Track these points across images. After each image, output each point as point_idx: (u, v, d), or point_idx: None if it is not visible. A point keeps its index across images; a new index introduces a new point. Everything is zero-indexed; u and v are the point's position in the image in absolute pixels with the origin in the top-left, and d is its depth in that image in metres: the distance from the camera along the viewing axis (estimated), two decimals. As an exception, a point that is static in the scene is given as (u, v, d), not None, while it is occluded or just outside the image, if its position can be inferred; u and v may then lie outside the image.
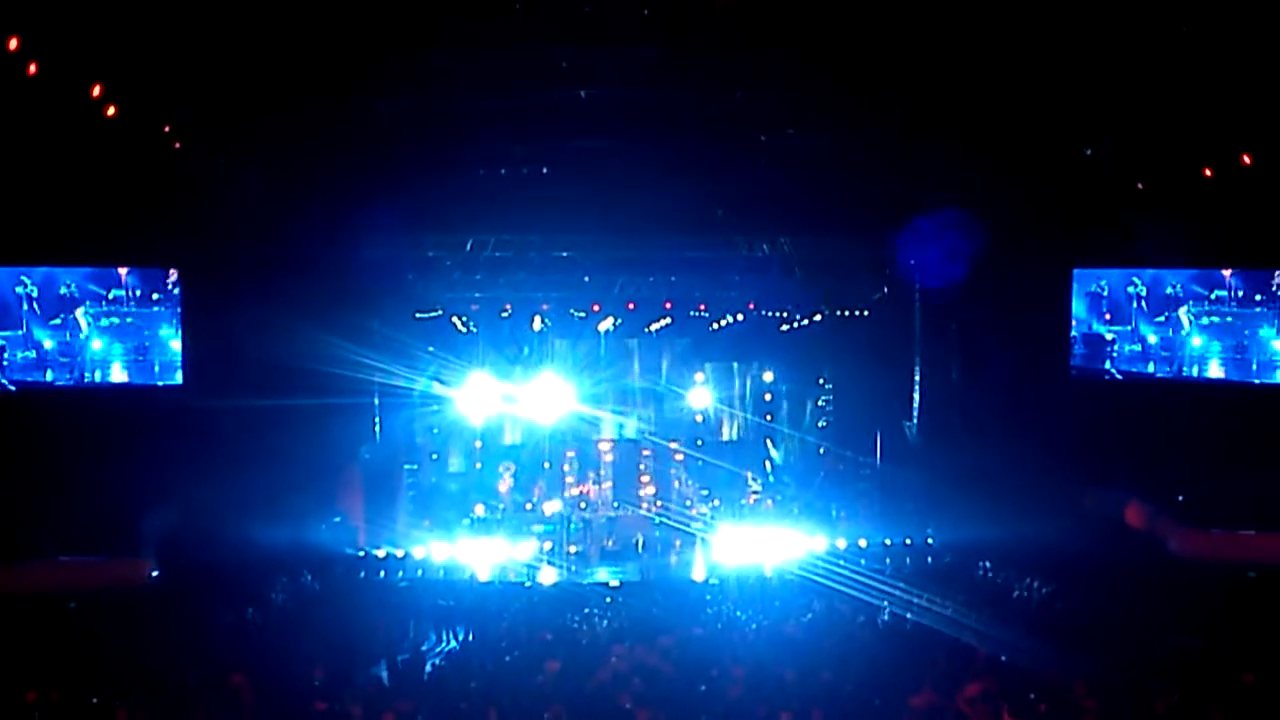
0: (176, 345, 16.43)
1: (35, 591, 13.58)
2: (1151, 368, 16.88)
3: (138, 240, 15.97)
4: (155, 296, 16.48)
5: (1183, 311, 16.60)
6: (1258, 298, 16.03)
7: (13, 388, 15.65)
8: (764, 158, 16.12)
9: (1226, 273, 16.31)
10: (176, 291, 16.50)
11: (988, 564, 16.71)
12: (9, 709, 9.17)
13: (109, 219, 15.18)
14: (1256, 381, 15.75)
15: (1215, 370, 16.40)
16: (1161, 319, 16.80)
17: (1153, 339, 16.87)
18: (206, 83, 13.49)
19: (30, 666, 10.23)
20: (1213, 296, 16.42)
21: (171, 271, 16.52)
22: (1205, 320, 16.45)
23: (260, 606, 14.13)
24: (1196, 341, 16.52)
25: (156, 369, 16.45)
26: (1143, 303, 16.90)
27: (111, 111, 13.20)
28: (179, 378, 16.37)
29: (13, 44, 11.68)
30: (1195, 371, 16.55)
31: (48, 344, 15.97)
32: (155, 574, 14.73)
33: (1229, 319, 16.27)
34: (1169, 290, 16.74)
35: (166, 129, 14.61)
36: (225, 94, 13.82)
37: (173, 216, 15.55)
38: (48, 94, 12.45)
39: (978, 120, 14.38)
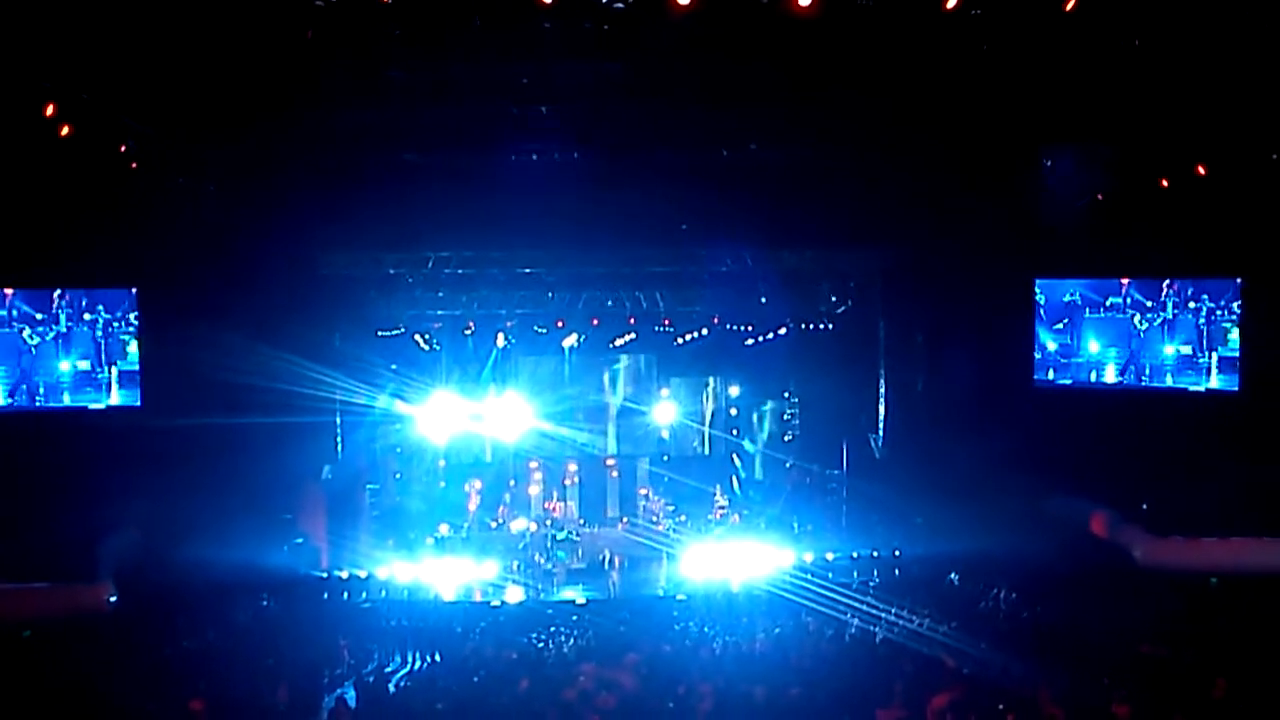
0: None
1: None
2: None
3: (94, 261, 15.76)
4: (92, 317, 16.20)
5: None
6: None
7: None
8: (726, 171, 16.15)
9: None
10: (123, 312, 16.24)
11: (955, 575, 16.73)
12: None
13: (65, 240, 15.00)
14: (1206, 387, 15.92)
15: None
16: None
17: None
18: (163, 101, 13.37)
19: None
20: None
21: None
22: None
23: (221, 630, 13.91)
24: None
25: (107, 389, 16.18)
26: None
27: (65, 131, 13.06)
28: (136, 398, 16.14)
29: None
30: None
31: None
32: (114, 600, 14.45)
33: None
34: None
35: (123, 148, 14.48)
36: (181, 112, 13.70)
37: (130, 236, 15.38)
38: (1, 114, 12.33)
39: (939, 130, 14.49)
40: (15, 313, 15.91)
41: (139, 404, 16.13)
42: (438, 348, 21.71)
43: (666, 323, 21.85)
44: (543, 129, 15.12)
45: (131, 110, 13.85)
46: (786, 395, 22.97)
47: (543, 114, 14.78)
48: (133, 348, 16.17)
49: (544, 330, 21.55)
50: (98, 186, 14.52)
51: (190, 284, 16.15)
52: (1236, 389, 15.44)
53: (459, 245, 18.30)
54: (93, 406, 16.10)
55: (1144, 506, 15.82)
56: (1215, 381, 15.65)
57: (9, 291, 15.85)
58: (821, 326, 21.26)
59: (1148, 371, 16.41)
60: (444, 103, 14.16)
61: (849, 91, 13.63)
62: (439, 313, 20.73)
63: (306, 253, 17.25)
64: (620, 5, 11.85)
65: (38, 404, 15.94)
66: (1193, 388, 15.86)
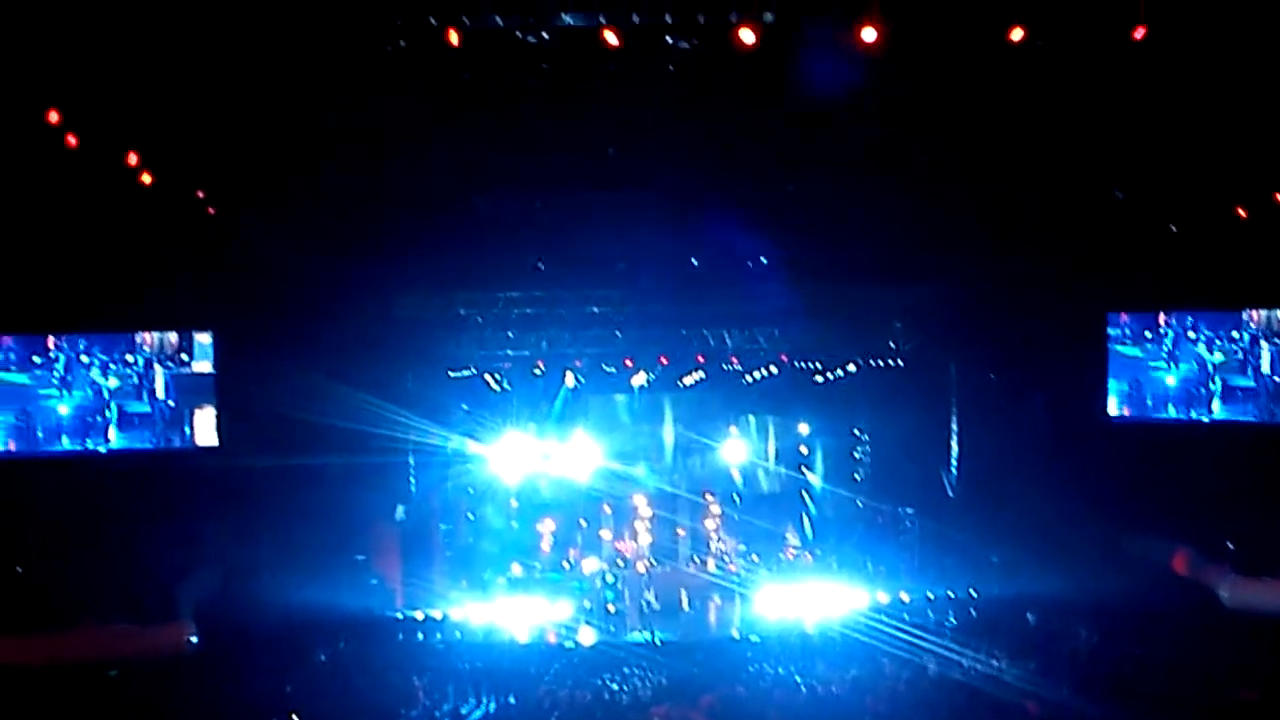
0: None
1: (76, 660, 13.54)
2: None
3: (172, 304, 16.12)
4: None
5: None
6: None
7: (55, 453, 15.81)
8: (793, 208, 16.13)
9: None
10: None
11: (1033, 616, 16.40)
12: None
13: (143, 283, 15.37)
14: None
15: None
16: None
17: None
18: (239, 147, 13.68)
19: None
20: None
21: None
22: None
23: (299, 671, 14.01)
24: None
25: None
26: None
27: (147, 179, 13.43)
28: (214, 439, 16.41)
29: (53, 117, 11.93)
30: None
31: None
32: (194, 640, 14.66)
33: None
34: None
35: (200, 194, 14.83)
36: (257, 158, 14.00)
37: (206, 280, 15.72)
38: (85, 164, 12.69)
39: (1007, 165, 14.37)
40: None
41: (217, 445, 16.42)
42: (508, 388, 21.81)
43: (734, 360, 21.77)
44: (611, 170, 15.22)
45: (209, 159, 14.20)
46: (857, 433, 22.77)
47: (610, 155, 14.89)
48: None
49: (612, 369, 21.59)
50: (175, 231, 14.87)
51: (265, 326, 16.45)
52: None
53: (528, 286, 18.47)
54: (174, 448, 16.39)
55: (1229, 545, 15.44)
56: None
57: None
58: (891, 363, 21.07)
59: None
60: (512, 146, 14.32)
61: (917, 126, 13.58)
62: (509, 353, 20.85)
63: (379, 295, 17.48)
64: (686, 45, 11.93)
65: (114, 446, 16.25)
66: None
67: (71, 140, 12.35)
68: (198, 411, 16.51)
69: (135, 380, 16.31)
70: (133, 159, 13.21)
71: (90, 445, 16.10)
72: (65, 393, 16.06)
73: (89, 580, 14.60)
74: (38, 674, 12.58)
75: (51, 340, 16.03)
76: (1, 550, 15.05)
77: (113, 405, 16.23)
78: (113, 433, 16.22)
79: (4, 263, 14.21)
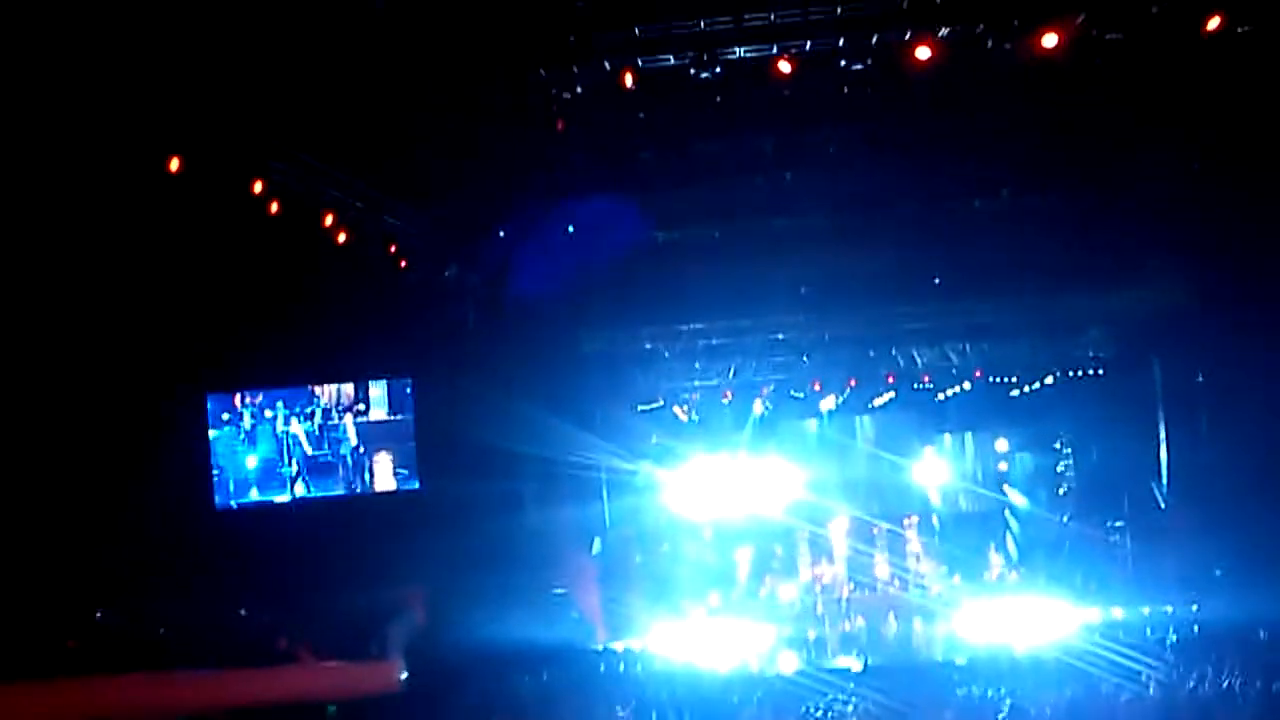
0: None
1: (296, 696, 14.15)
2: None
3: (372, 356, 16.83)
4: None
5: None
6: None
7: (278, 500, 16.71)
8: (979, 221, 15.82)
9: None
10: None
11: (1264, 633, 15.47)
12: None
13: (343, 338, 16.11)
14: None
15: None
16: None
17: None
18: (426, 201, 14.26)
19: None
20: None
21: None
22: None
23: (505, 704, 14.31)
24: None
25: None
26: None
27: (342, 239, 14.13)
28: (392, 484, 17.04)
29: (257, 187, 12.67)
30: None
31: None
32: (404, 677, 15.15)
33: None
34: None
35: (393, 249, 15.47)
36: (443, 208, 14.55)
37: (403, 329, 16.36)
38: (290, 229, 13.42)
39: (1207, 162, 13.78)
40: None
41: (418, 487, 17.04)
42: (696, 418, 21.91)
43: (925, 379, 21.37)
44: (789, 195, 15.23)
45: (398, 212, 14.83)
46: (1058, 447, 22.02)
47: (787, 180, 14.90)
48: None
49: (801, 395, 21.46)
50: (370, 285, 15.55)
51: (459, 369, 17.01)
52: None
53: (712, 316, 18.58)
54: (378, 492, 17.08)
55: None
56: None
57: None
58: (1091, 373, 20.33)
59: None
60: (690, 179, 14.49)
61: (1101, 131, 13.17)
62: (696, 384, 20.98)
63: (568, 332, 17.85)
64: (859, 66, 11.88)
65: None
66: None
67: (274, 207, 13.10)
68: (377, 456, 17.15)
69: (317, 431, 17.01)
70: (328, 220, 13.93)
71: (277, 495, 16.88)
72: (250, 445, 16.88)
73: (303, 621, 15.29)
74: (257, 710, 13.20)
75: (238, 398, 16.86)
76: (224, 593, 15.93)
77: (298, 455, 16.96)
78: (299, 484, 16.98)
79: (220, 324, 15.10)
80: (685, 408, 21.66)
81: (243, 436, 16.77)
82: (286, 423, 16.95)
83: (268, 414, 16.94)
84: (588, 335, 18.41)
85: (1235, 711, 11.46)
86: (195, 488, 16.41)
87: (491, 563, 16.23)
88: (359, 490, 17.09)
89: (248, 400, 16.90)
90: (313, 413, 17.07)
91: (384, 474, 17.19)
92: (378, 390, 17.19)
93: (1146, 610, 17.46)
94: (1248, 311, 16.29)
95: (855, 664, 17.46)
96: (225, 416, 16.88)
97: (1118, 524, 19.76)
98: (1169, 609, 17.33)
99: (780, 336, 19.30)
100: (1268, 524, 15.63)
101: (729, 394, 21.22)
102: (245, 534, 16.54)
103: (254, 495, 16.89)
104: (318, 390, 17.12)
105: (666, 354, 19.60)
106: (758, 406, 21.67)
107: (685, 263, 16.67)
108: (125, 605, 15.29)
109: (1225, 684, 12.58)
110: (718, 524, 22.36)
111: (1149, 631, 16.80)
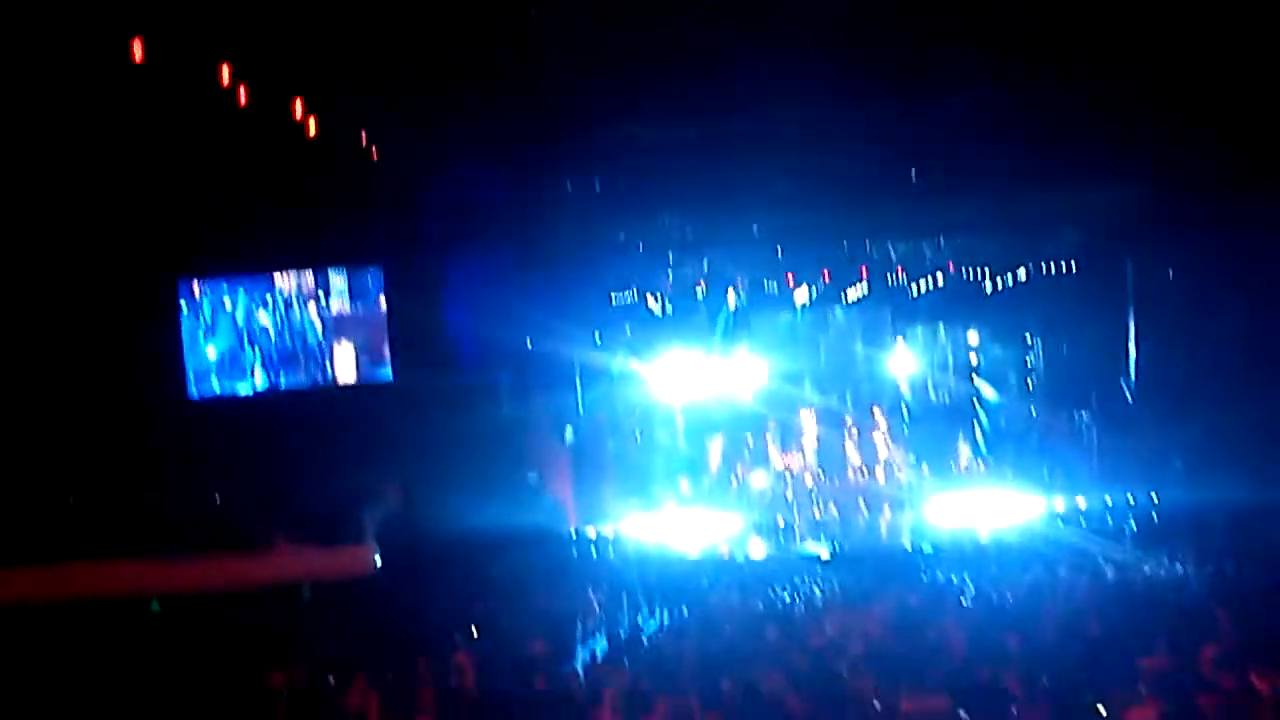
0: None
1: (270, 580, 14.37)
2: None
3: (344, 242, 16.72)
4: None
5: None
6: None
7: (245, 391, 16.69)
8: (958, 116, 15.68)
9: None
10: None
11: (1221, 522, 15.83)
12: (254, 689, 9.72)
13: (316, 225, 15.97)
14: None
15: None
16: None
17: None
18: (401, 91, 14.04)
19: (269, 650, 10.83)
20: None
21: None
22: None
23: (479, 587, 14.56)
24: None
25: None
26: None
27: (313, 129, 13.92)
28: (354, 375, 17.07)
29: (224, 73, 12.43)
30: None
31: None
32: (379, 561, 15.39)
33: None
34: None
35: (364, 138, 15.27)
36: (416, 96, 14.33)
37: (374, 217, 16.23)
38: (258, 117, 13.20)
39: (1186, 50, 13.65)
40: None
41: (391, 378, 17.10)
42: (670, 310, 21.93)
43: (900, 272, 21.38)
44: (767, 87, 15.05)
45: (372, 102, 14.62)
46: (1029, 340, 22.19)
47: (765, 72, 14.70)
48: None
49: (775, 287, 21.48)
50: (344, 173, 15.37)
51: (431, 259, 16.96)
52: None
53: (689, 209, 18.48)
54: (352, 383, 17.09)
55: None
56: None
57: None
58: (1063, 268, 20.40)
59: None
60: (666, 71, 14.29)
61: (1087, 26, 13.02)
62: (670, 276, 20.95)
63: (542, 224, 17.74)
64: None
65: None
66: None
67: (241, 95, 12.87)
68: (337, 347, 17.13)
69: (280, 321, 16.96)
70: (298, 109, 13.71)
71: (238, 385, 16.88)
72: (211, 334, 16.84)
73: (278, 507, 15.46)
74: (234, 593, 13.41)
75: (196, 286, 16.72)
76: (197, 479, 16.04)
77: (261, 345, 16.95)
78: (261, 374, 16.97)
79: (182, 210, 14.93)
80: (659, 299, 21.63)
81: (203, 326, 16.67)
82: (249, 312, 16.86)
83: (228, 303, 16.83)
84: (563, 227, 18.29)
85: (1187, 594, 11.76)
86: (166, 376, 16.38)
87: (465, 451, 16.37)
88: (321, 382, 17.09)
89: (208, 290, 16.77)
90: (274, 302, 16.99)
91: (348, 365, 17.21)
92: (340, 280, 17.12)
93: (1109, 499, 17.80)
94: (1218, 209, 16.34)
95: (824, 550, 17.81)
96: (184, 305, 16.80)
97: (1084, 416, 20.02)
98: (1130, 499, 17.69)
99: (755, 229, 19.24)
100: (1228, 418, 15.87)
101: (703, 285, 21.20)
102: (219, 422, 16.59)
103: (215, 385, 16.83)
104: (279, 279, 17.01)
105: (641, 246, 19.53)
106: (731, 299, 21.68)
107: (660, 155, 16.51)
108: (98, 491, 15.38)
109: (1179, 569, 12.92)
110: (690, 413, 22.53)
111: (1110, 520, 17.20)
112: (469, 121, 15.27)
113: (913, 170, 17.31)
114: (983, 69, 14.77)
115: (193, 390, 16.57)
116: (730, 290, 21.55)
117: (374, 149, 15.56)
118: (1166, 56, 13.87)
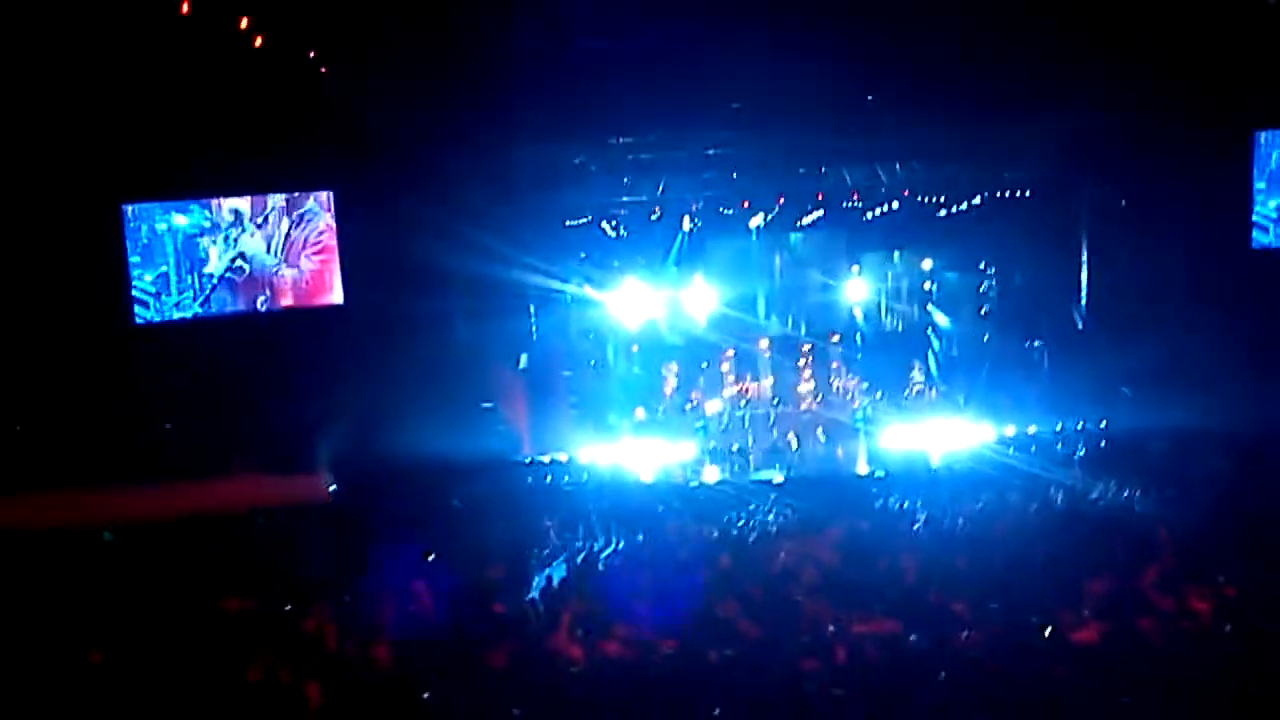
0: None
1: (223, 507, 14.27)
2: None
3: (291, 165, 16.40)
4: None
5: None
6: None
7: (190, 316, 16.42)
8: (915, 38, 15.53)
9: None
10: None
11: (1165, 448, 16.08)
12: (209, 616, 9.69)
13: (261, 147, 15.63)
14: None
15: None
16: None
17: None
18: (350, 8, 13.71)
19: (225, 577, 10.79)
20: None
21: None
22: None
23: (433, 515, 14.55)
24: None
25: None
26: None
27: (259, 43, 13.56)
28: (341, 299, 16.85)
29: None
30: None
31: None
32: (333, 489, 15.33)
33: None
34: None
35: (311, 55, 14.91)
36: (368, 15, 14.00)
37: (322, 139, 15.92)
38: (200, 30, 12.84)
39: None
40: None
41: (341, 302, 16.91)
42: (625, 234, 21.78)
43: (855, 197, 21.27)
44: (723, 6, 14.83)
45: (319, 19, 14.26)
46: (983, 267, 22.29)
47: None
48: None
49: (730, 212, 21.36)
50: (290, 93, 15.03)
51: (384, 183, 16.69)
52: None
53: (643, 131, 18.28)
54: (303, 307, 16.88)
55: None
56: None
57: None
58: (1018, 195, 20.41)
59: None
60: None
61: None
62: (625, 200, 20.77)
63: (494, 147, 17.49)
64: None
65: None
66: None
67: (184, 7, 12.51)
68: (286, 270, 16.93)
69: (221, 244, 16.65)
70: (244, 23, 13.35)
71: (180, 312, 16.58)
72: (156, 260, 16.45)
73: (232, 435, 15.31)
74: (188, 521, 13.31)
75: (131, 209, 16.29)
76: (149, 408, 15.84)
77: (203, 272, 16.63)
78: (203, 300, 16.67)
79: (122, 131, 14.54)
80: (613, 224, 21.47)
81: (146, 250, 16.32)
82: (194, 236, 16.54)
83: (173, 225, 16.48)
84: (513, 151, 18.04)
85: (1133, 519, 11.97)
86: (110, 302, 16.05)
87: (419, 377, 16.28)
88: (266, 308, 16.85)
89: (152, 214, 16.38)
90: (220, 224, 16.68)
91: (298, 289, 16.99)
92: (283, 200, 16.82)
93: (1059, 426, 18.02)
94: (1172, 136, 16.38)
95: (777, 476, 17.95)
96: (126, 229, 16.39)
97: (1036, 344, 20.20)
98: (1080, 426, 17.92)
99: (711, 152, 19.08)
100: (1176, 345, 16.05)
101: (658, 210, 21.05)
102: (168, 349, 16.33)
103: (160, 311, 16.49)
104: (226, 202, 16.68)
105: (594, 168, 19.31)
106: (686, 223, 21.55)
107: (614, 75, 16.26)
108: (47, 419, 15.15)
109: (1126, 494, 13.13)
110: (646, 340, 22.52)
111: (1060, 446, 17.43)
112: (421, 42, 14.97)
113: (868, 95, 17.17)
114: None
115: (138, 316, 16.22)
116: (685, 216, 21.42)
117: (323, 69, 15.23)
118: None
